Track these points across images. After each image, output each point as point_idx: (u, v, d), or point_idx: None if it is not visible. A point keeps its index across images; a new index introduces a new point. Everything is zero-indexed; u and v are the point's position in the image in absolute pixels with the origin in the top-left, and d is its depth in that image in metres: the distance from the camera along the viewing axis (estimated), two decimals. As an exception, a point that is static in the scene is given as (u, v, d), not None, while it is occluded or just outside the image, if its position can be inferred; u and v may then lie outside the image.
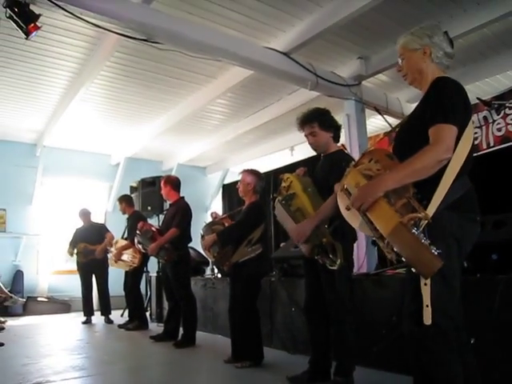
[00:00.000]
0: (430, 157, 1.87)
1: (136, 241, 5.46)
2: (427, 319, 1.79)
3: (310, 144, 3.27)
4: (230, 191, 10.97)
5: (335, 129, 3.26)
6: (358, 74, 5.81)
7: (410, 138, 2.03)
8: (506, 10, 4.53)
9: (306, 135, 3.25)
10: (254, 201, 4.11)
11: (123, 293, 6.66)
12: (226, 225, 4.22)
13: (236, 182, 10.33)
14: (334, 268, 2.83)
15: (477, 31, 5.01)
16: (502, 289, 2.82)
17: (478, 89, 6.52)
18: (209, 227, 4.15)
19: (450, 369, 1.85)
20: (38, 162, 8.65)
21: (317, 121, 3.18)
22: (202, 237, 4.07)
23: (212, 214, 4.58)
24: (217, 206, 11.29)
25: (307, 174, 3.31)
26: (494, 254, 3.00)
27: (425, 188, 1.86)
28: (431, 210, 1.82)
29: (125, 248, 6.33)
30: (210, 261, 6.20)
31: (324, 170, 3.21)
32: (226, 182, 11.27)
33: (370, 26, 5.12)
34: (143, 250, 5.47)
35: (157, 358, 4.47)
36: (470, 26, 4.83)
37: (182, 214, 5.10)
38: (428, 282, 1.79)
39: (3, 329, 5.95)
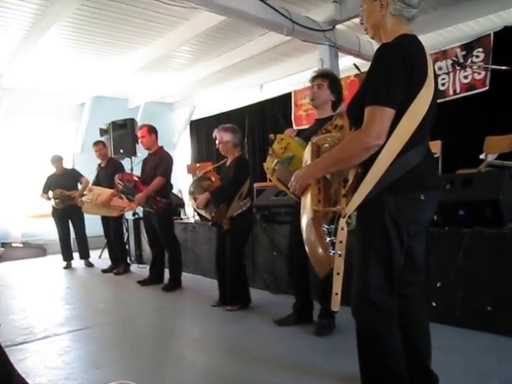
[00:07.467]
0: (356, 145, 1.74)
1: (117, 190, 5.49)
2: (335, 305, 1.79)
3: (312, 93, 3.39)
4: (197, 127, 10.94)
5: (338, 97, 3.40)
6: (332, 18, 5.75)
7: (359, 111, 1.78)
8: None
9: (312, 85, 3.38)
10: (238, 156, 4.20)
11: (98, 233, 6.74)
12: (213, 179, 4.28)
13: (203, 119, 10.42)
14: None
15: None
16: (467, 241, 3.25)
17: (450, 34, 6.63)
18: (197, 184, 4.20)
19: (387, 346, 1.84)
20: (-2, 105, 8.29)
21: (329, 79, 3.37)
22: (192, 194, 4.15)
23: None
24: (184, 142, 11.29)
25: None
26: (462, 210, 3.35)
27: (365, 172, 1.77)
28: (357, 198, 1.75)
29: (114, 195, 5.89)
30: (187, 204, 6.30)
31: None
32: (194, 118, 11.18)
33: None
34: (127, 200, 5.53)
35: (150, 304, 4.68)
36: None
37: (166, 162, 5.19)
38: (341, 272, 1.75)
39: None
